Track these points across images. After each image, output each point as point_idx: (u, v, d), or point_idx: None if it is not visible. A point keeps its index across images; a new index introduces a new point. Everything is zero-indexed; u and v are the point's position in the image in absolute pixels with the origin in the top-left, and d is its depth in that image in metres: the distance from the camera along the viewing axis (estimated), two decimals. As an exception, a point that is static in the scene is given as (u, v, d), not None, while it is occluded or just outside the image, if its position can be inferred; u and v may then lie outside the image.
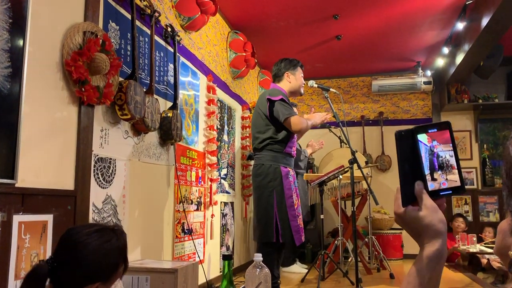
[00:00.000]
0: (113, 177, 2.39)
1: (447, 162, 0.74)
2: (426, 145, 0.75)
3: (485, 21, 3.86)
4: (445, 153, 0.74)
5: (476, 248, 4.40)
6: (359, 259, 3.78)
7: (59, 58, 2.00)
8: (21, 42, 1.78)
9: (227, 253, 1.36)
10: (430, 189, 0.74)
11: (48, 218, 1.89)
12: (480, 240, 4.92)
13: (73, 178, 2.08)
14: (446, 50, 5.04)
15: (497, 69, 5.29)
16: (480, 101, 5.74)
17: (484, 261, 4.42)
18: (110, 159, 2.37)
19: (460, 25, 4.36)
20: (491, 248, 4.35)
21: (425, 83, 5.86)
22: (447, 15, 4.36)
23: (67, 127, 2.06)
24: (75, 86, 2.04)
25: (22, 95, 1.77)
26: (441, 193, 0.74)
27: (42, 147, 1.90)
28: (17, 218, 1.72)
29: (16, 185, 1.73)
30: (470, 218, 5.78)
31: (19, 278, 1.71)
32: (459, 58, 4.90)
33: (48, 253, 1.85)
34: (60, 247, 1.31)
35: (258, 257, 1.39)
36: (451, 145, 0.74)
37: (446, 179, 0.74)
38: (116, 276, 1.35)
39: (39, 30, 1.88)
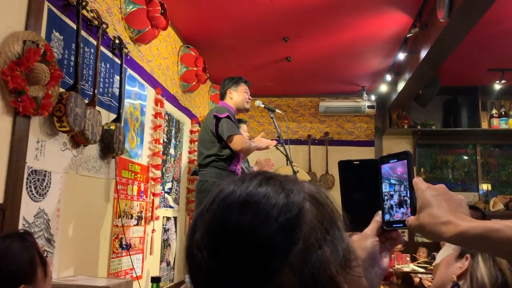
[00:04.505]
0: (48, 190, 2.31)
1: (402, 194, 0.73)
2: (385, 175, 0.76)
3: (423, 53, 4.12)
4: (401, 184, 0.73)
5: (409, 267, 4.62)
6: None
7: (-6, 67, 1.93)
8: (-48, 49, 1.71)
9: (155, 276, 1.36)
10: (385, 219, 0.75)
11: (-28, 232, 1.81)
12: (414, 259, 5.16)
13: (3, 191, 1.99)
14: (389, 77, 5.30)
15: (435, 98, 5.63)
16: (419, 127, 6.07)
17: (416, 279, 4.64)
18: (45, 171, 2.30)
19: (401, 55, 4.62)
20: (424, 267, 4.59)
21: (369, 107, 6.12)
22: (390, 45, 4.62)
23: (0, 138, 1.98)
24: (11, 96, 1.98)
25: (-50, 104, 1.69)
26: (394, 225, 0.74)
27: (-31, 158, 1.82)
28: None
29: None
30: (406, 238, 6.04)
31: None
32: (400, 86, 5.18)
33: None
34: None
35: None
36: (406, 176, 0.73)
37: (400, 211, 0.73)
38: (39, 272, 1.32)
39: (-27, 36, 1.81)
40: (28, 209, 2.15)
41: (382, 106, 6.22)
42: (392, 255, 4.97)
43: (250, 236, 0.47)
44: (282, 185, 0.52)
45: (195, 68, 4.67)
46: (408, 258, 4.77)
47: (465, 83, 5.83)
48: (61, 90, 2.34)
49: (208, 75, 5.04)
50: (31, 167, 2.18)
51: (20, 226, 2.09)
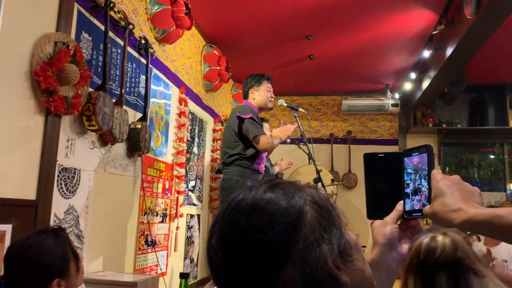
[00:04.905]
0: (77, 188, 2.38)
1: (421, 185, 0.78)
2: (408, 167, 0.81)
3: (449, 51, 4.05)
4: (421, 176, 0.78)
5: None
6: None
7: (28, 68, 1.99)
8: (-11, 51, 1.77)
9: (184, 272, 1.38)
10: (406, 209, 0.80)
11: (7, 228, 1.87)
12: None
13: (35, 188, 2.06)
14: (413, 75, 5.23)
15: (460, 96, 5.53)
16: (444, 125, 5.96)
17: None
18: (75, 169, 2.36)
19: (426, 53, 4.55)
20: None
21: (392, 105, 6.05)
22: (415, 42, 4.55)
23: (33, 136, 2.05)
24: (43, 96, 2.04)
25: (-13, 104, 1.76)
26: (413, 214, 0.79)
27: (6, 156, 1.88)
28: (-27, 228, 1.70)
29: (-25, 194, 1.71)
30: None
31: (-28, 289, 1.68)
32: (425, 84, 5.10)
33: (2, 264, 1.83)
34: (7, 264, 1.32)
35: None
36: (427, 168, 0.77)
37: (419, 201, 0.78)
38: (71, 267, 1.36)
39: (8, 39, 1.88)
40: (59, 206, 2.22)
41: (406, 104, 6.14)
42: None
43: (256, 238, 0.53)
44: (285, 191, 0.58)
45: (218, 67, 4.71)
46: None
47: (492, 81, 5.70)
48: (90, 89, 2.40)
49: (230, 74, 5.07)
50: (62, 165, 2.25)
51: (52, 222, 2.16)
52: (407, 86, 5.64)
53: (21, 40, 1.97)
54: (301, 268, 0.52)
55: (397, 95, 6.10)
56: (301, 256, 0.52)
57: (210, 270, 0.59)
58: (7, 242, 1.87)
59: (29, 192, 2.03)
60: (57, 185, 2.21)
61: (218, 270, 0.57)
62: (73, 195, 2.34)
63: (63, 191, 2.25)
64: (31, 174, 2.04)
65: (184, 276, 1.36)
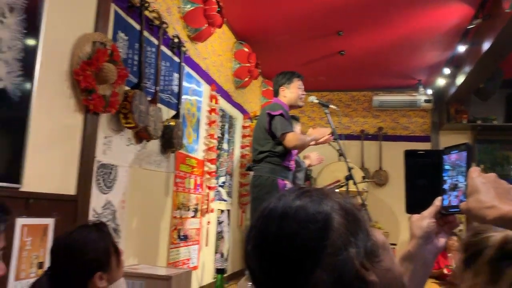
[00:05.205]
0: (114, 183, 2.45)
1: (459, 182, 0.80)
2: (446, 164, 0.84)
3: (486, 46, 3.94)
4: (459, 173, 0.80)
5: (467, 267, 4.45)
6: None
7: (68, 67, 2.07)
8: (33, 52, 1.85)
9: (221, 267, 1.42)
10: (444, 205, 0.83)
11: (50, 221, 1.96)
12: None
13: (75, 183, 2.14)
14: (447, 70, 5.11)
15: (497, 91, 5.36)
16: (479, 122, 5.80)
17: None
18: (112, 165, 2.44)
19: (461, 48, 4.44)
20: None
21: (425, 101, 5.93)
22: (449, 37, 4.44)
23: (72, 134, 2.13)
24: (83, 95, 2.11)
25: (31, 103, 1.84)
26: (450, 210, 0.82)
27: (47, 153, 1.97)
28: (20, 221, 1.79)
29: (21, 189, 1.79)
30: (464, 237, 5.82)
31: (19, 279, 1.77)
32: (460, 79, 4.97)
33: (48, 256, 1.91)
34: (53, 257, 1.38)
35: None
36: (464, 165, 0.79)
37: (456, 197, 0.80)
38: (113, 261, 1.40)
39: (50, 40, 1.95)
40: (97, 201, 2.30)
41: (439, 100, 6.00)
42: (449, 254, 4.81)
43: (287, 246, 0.58)
44: (312, 198, 0.61)
45: (248, 64, 4.73)
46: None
47: (531, 76, 5.50)
48: (126, 88, 2.47)
49: (260, 71, 5.08)
50: (100, 161, 2.32)
51: (90, 217, 2.24)
52: (441, 82, 5.51)
53: (62, 40, 2.05)
54: (330, 271, 0.55)
55: (429, 91, 5.97)
56: (329, 260, 0.56)
57: (249, 273, 0.64)
58: (50, 235, 1.95)
59: (69, 188, 2.11)
60: (96, 181, 2.29)
61: (254, 275, 0.62)
62: (110, 190, 2.42)
63: (101, 186, 2.33)
64: (71, 170, 2.13)
65: (220, 271, 1.40)
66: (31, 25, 1.84)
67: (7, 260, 1.72)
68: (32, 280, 1.54)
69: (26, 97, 1.81)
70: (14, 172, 1.77)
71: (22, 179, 1.79)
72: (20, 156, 1.79)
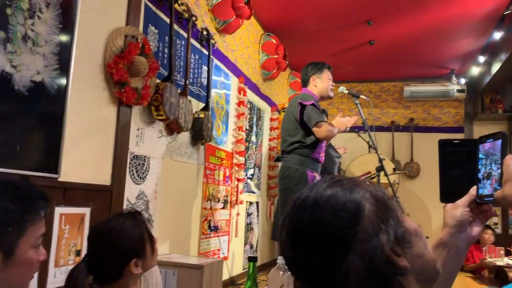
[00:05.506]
0: (147, 174, 2.51)
1: (494, 171, 0.79)
2: (480, 153, 0.83)
3: (523, 32, 3.79)
4: (494, 162, 0.79)
5: (503, 261, 4.32)
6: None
7: (101, 61, 2.12)
8: (68, 46, 1.90)
9: (253, 255, 1.43)
10: (478, 193, 0.82)
11: (86, 211, 2.02)
12: (508, 253, 4.82)
13: (110, 174, 2.20)
14: (481, 59, 4.95)
15: (535, 79, 5.16)
16: (516, 111, 5.60)
17: (511, 275, 4.34)
18: (145, 157, 2.49)
19: (497, 35, 4.29)
20: (520, 262, 4.28)
21: (458, 91, 5.76)
22: (484, 24, 4.29)
23: (107, 126, 2.18)
24: (116, 88, 2.16)
25: (67, 96, 1.89)
26: (485, 199, 0.81)
27: (83, 144, 2.02)
28: (58, 210, 1.85)
29: (59, 179, 1.85)
30: (499, 231, 5.66)
31: (58, 266, 1.84)
32: (495, 68, 4.81)
33: (85, 244, 1.97)
34: (91, 244, 1.42)
35: (282, 259, 1.44)
36: (498, 154, 0.78)
37: (491, 186, 0.79)
38: (147, 248, 1.43)
39: (85, 34, 2.00)
40: (131, 191, 2.35)
41: (473, 90, 5.82)
42: (484, 248, 4.69)
43: (319, 232, 0.60)
44: (343, 187, 0.63)
45: (276, 56, 4.71)
46: (502, 252, 4.46)
47: None
48: (157, 81, 2.50)
49: (288, 62, 5.06)
50: (133, 153, 2.37)
51: (124, 207, 2.29)
52: (474, 71, 5.35)
53: (96, 34, 2.10)
54: (362, 257, 0.58)
55: (463, 80, 5.80)
56: (361, 246, 0.58)
57: (284, 259, 0.67)
58: (87, 223, 2.01)
59: (104, 178, 2.17)
60: (129, 172, 2.34)
61: (289, 260, 0.65)
62: (143, 181, 2.47)
63: (134, 177, 2.39)
64: (106, 161, 2.18)
65: (253, 259, 1.41)
66: (66, 20, 1.89)
67: (47, 247, 1.79)
68: (70, 267, 1.59)
69: (62, 90, 1.87)
70: (53, 163, 1.83)
71: (60, 169, 1.85)
72: (58, 147, 1.85)
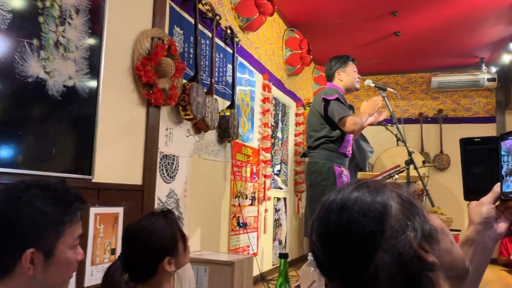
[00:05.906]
0: (176, 173, 2.55)
1: None
2: (503, 150, 0.83)
3: (557, 16, 3.65)
4: None
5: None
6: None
7: (130, 63, 2.16)
8: (98, 50, 1.95)
9: (283, 252, 1.43)
10: (503, 190, 0.82)
11: (119, 210, 2.08)
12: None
13: (141, 173, 2.25)
14: (513, 46, 4.80)
15: None
16: (550, 99, 5.41)
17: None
18: (174, 156, 2.53)
19: (529, 20, 4.14)
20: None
21: (489, 80, 5.60)
22: (515, 9, 4.16)
23: (137, 126, 2.23)
24: (144, 89, 2.20)
25: (98, 98, 1.94)
26: (510, 196, 0.81)
27: (115, 145, 2.08)
28: (93, 210, 1.91)
29: (93, 180, 1.91)
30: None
31: (95, 264, 1.90)
32: (527, 54, 4.65)
33: (119, 243, 2.03)
34: (125, 243, 1.46)
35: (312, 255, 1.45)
36: None
37: None
38: (180, 246, 1.46)
39: (113, 38, 2.05)
40: (161, 190, 2.40)
41: (504, 78, 5.64)
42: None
43: (347, 233, 0.62)
44: (370, 189, 0.65)
45: (300, 51, 4.69)
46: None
47: None
48: (184, 81, 2.54)
49: (312, 57, 5.03)
50: (162, 152, 2.42)
51: (156, 205, 2.34)
52: (506, 59, 5.18)
53: (123, 38, 2.15)
54: (391, 253, 0.60)
55: (493, 69, 5.63)
56: (389, 243, 0.60)
57: (314, 259, 0.70)
58: (120, 222, 2.07)
59: (136, 178, 2.22)
60: (159, 171, 2.39)
61: (319, 260, 0.67)
62: (173, 180, 2.52)
63: (164, 176, 2.43)
64: (137, 161, 2.23)
65: (284, 256, 1.42)
66: (95, 25, 1.94)
67: (83, 247, 1.85)
68: (106, 265, 1.64)
69: (93, 94, 1.92)
70: (86, 164, 1.89)
71: (94, 171, 1.91)
72: (91, 149, 1.90)
